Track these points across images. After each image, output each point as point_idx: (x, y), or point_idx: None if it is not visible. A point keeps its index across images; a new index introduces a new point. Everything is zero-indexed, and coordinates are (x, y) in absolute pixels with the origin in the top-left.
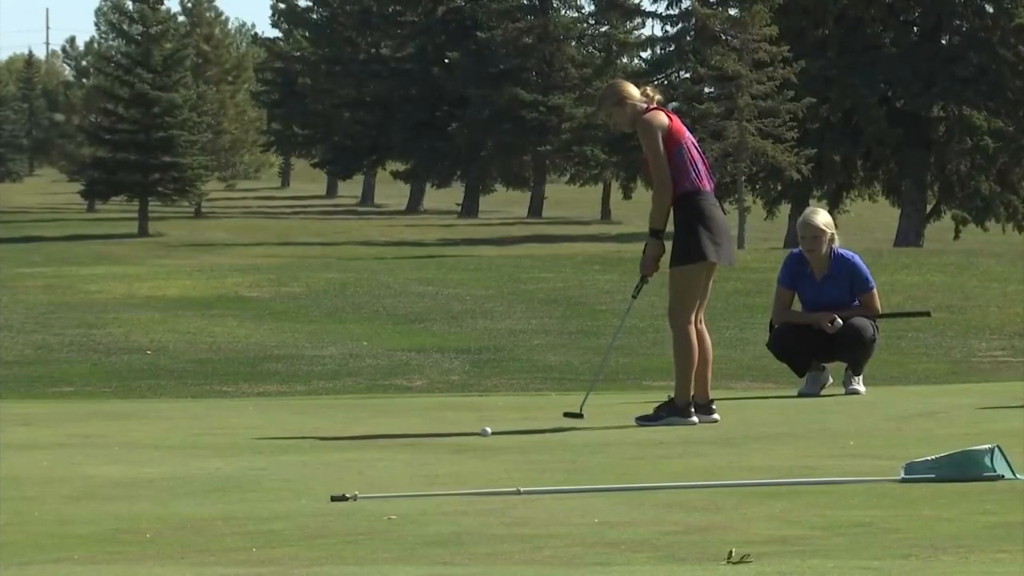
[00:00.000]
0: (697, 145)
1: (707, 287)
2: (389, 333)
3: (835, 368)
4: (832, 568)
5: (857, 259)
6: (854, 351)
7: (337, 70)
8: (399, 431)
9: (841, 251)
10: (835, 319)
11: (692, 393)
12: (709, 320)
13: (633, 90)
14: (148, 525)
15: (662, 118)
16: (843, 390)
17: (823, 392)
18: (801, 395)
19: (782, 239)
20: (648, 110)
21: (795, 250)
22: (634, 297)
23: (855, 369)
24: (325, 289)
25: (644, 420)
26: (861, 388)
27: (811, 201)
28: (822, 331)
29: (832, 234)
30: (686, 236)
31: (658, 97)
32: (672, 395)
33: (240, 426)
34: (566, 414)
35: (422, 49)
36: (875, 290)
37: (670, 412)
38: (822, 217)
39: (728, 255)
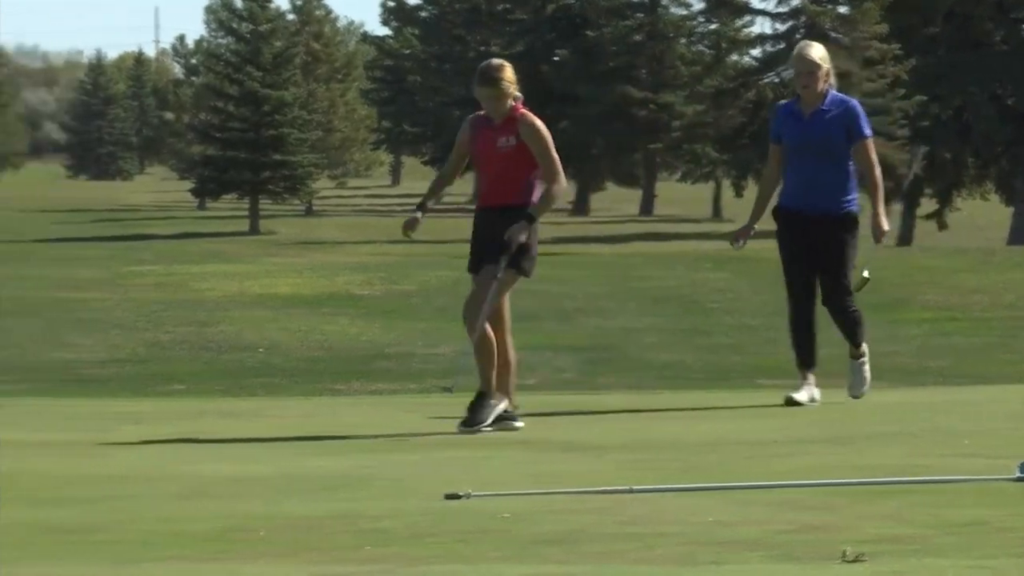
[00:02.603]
0: None
1: None
2: None
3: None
4: (947, 567)
5: (855, 102)
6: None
7: (446, 68)
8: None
9: (838, 93)
10: (740, 240)
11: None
12: (822, 318)
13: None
14: (258, 523)
15: None
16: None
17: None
18: (787, 400)
19: (894, 237)
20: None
21: (782, 102)
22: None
23: (852, 340)
24: (437, 287)
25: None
26: (866, 377)
27: (922, 200)
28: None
29: (828, 69)
30: (532, 248)
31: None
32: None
33: (352, 424)
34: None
35: (531, 47)
36: (870, 140)
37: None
38: (817, 50)
39: None
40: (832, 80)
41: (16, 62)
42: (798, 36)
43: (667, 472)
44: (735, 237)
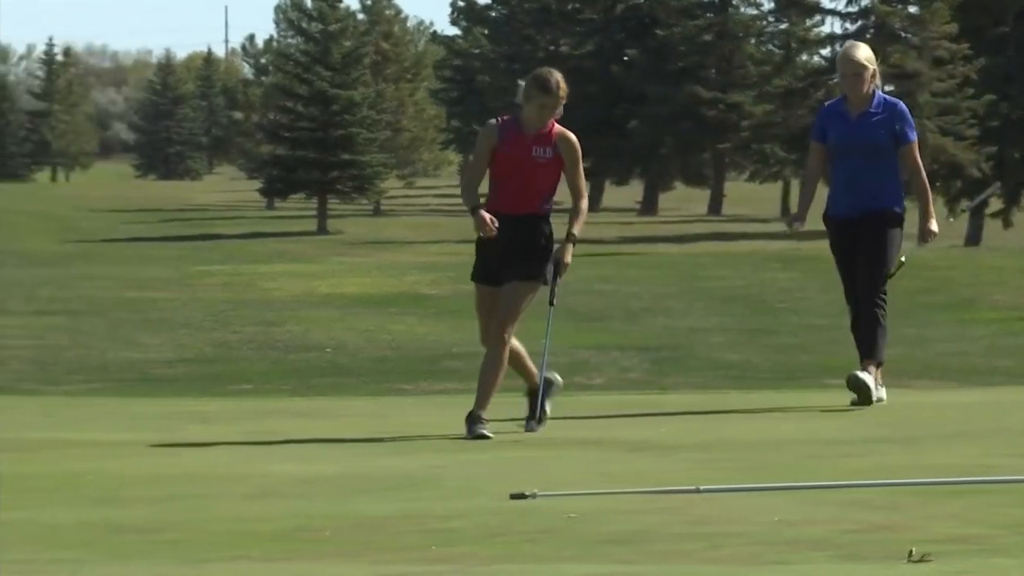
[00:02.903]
0: None
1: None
2: (568, 331)
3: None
4: (1014, 567)
5: (902, 105)
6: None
7: (516, 68)
8: (578, 429)
9: (885, 95)
10: (798, 221)
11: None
12: (890, 317)
13: None
14: (326, 523)
15: None
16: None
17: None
18: (853, 403)
19: (962, 237)
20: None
21: (827, 101)
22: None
23: (869, 352)
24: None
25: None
26: (881, 393)
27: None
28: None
29: (874, 70)
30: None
31: None
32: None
33: (419, 424)
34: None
35: (600, 47)
36: (915, 144)
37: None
38: (863, 52)
39: None
40: (878, 81)
41: (85, 62)
42: (868, 36)
43: (734, 472)
44: (792, 219)
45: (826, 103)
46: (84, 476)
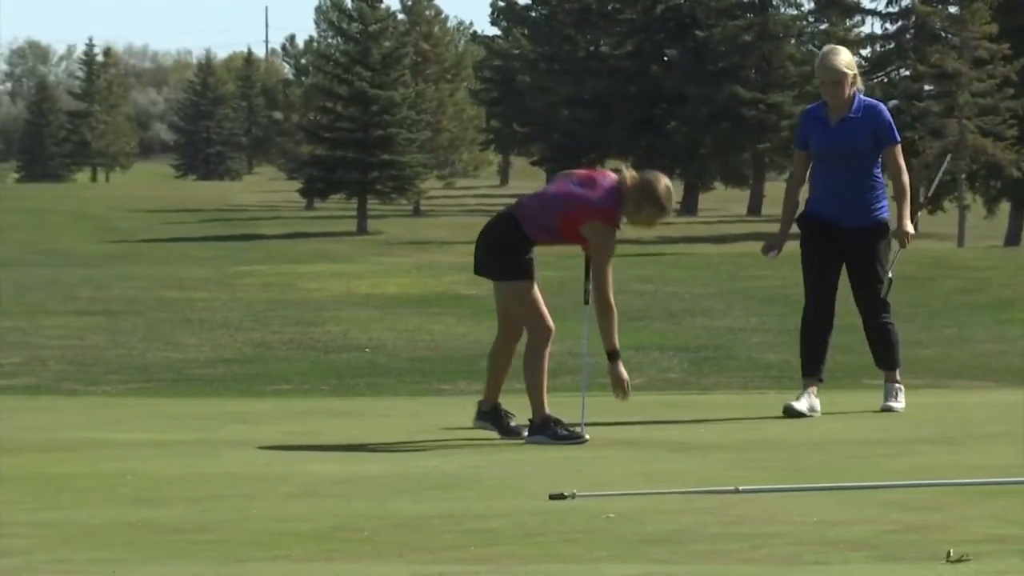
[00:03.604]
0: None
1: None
2: None
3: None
4: None
5: (883, 108)
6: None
7: (556, 68)
8: (617, 429)
9: (866, 98)
10: (773, 251)
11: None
12: (929, 317)
13: None
14: (366, 523)
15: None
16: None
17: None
18: (786, 412)
19: (1002, 236)
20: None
21: (808, 106)
22: None
23: (887, 363)
24: (543, 287)
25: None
26: (899, 404)
27: None
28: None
29: (854, 75)
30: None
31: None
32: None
33: (458, 424)
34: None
35: (641, 47)
36: (899, 146)
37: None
38: (843, 57)
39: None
40: (859, 84)
41: (126, 62)
42: (908, 36)
43: (773, 472)
44: (768, 247)
45: (807, 108)
46: (123, 476)
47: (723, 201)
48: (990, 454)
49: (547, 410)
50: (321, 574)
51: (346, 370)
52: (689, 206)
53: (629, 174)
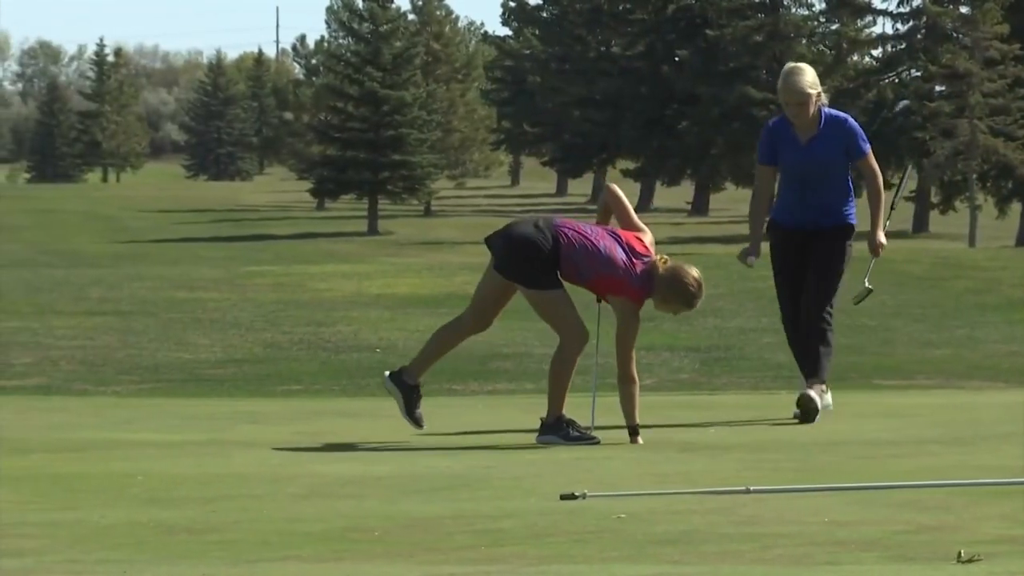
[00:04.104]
0: (581, 237)
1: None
2: None
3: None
4: None
5: (850, 120)
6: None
7: (567, 68)
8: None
9: (831, 111)
10: (751, 256)
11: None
12: (940, 318)
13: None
14: (377, 523)
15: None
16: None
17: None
18: (800, 404)
19: (1013, 237)
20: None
21: (771, 120)
22: None
23: (811, 370)
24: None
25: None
26: (827, 400)
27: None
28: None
29: (819, 92)
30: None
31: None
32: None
33: (469, 424)
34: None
35: (652, 47)
36: (870, 155)
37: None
38: (807, 77)
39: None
40: (824, 99)
41: (136, 63)
42: (919, 36)
43: (784, 472)
44: (745, 255)
45: (771, 123)
46: (134, 476)
47: (734, 201)
48: (1001, 455)
49: (563, 411)
50: (331, 575)
51: (356, 370)
52: (700, 206)
53: (662, 264)
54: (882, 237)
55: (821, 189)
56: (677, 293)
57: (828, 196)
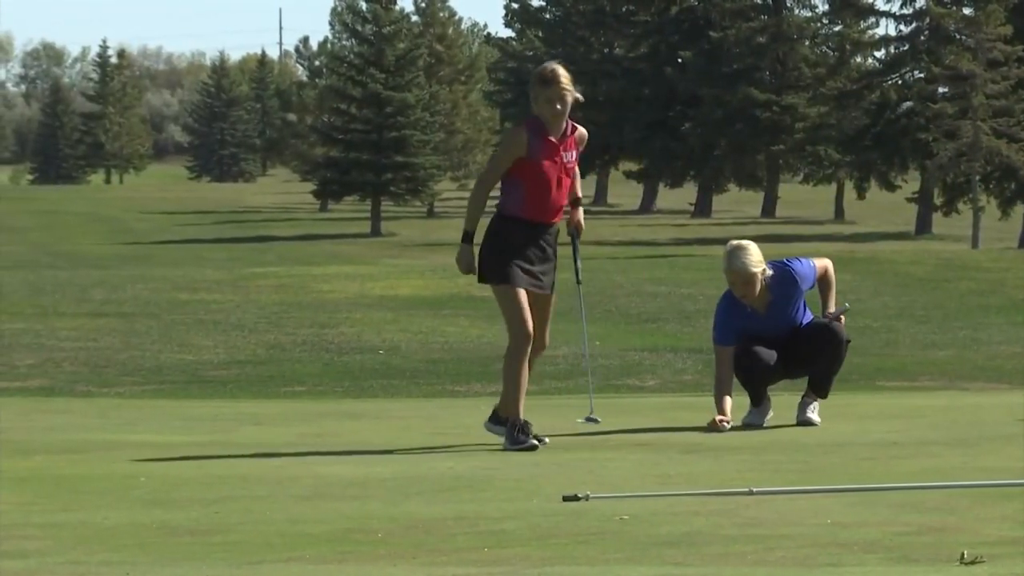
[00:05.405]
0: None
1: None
2: (622, 333)
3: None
4: None
5: (789, 270)
6: (827, 357)
7: (570, 70)
8: (631, 431)
9: (772, 272)
10: (725, 421)
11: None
12: (943, 319)
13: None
14: (379, 525)
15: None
16: (794, 420)
17: (766, 424)
18: (747, 426)
19: (1016, 238)
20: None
21: (721, 300)
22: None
23: (820, 389)
24: (558, 289)
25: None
26: (816, 418)
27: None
28: (787, 343)
29: (763, 268)
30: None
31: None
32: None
33: (472, 426)
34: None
35: (655, 49)
36: (815, 268)
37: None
38: (752, 256)
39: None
40: (768, 271)
41: (139, 64)
42: (922, 38)
43: (787, 474)
44: (715, 427)
45: (722, 303)
46: (137, 478)
47: (737, 203)
48: (1004, 456)
49: (519, 414)
50: None
51: (360, 372)
52: (703, 207)
53: None
54: (833, 308)
55: (787, 338)
56: (531, 84)
57: (792, 336)
